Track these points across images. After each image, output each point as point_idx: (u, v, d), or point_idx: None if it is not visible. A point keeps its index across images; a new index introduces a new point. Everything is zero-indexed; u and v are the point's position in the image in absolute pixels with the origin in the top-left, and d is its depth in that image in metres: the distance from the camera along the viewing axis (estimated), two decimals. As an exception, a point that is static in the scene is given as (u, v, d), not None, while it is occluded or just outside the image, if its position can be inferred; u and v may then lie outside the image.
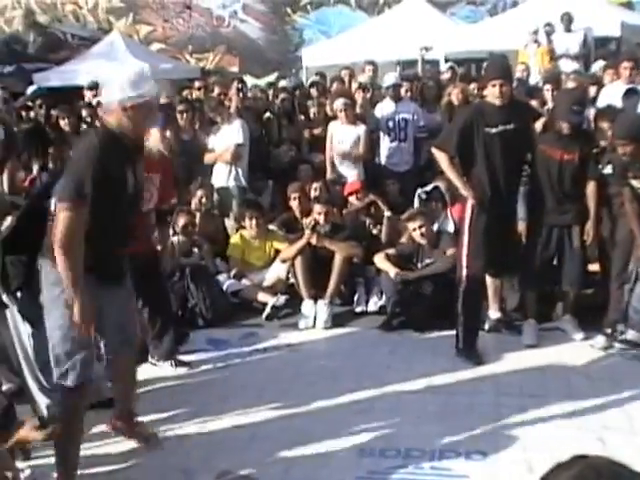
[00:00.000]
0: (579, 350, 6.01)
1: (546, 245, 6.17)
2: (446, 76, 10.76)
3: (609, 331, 6.02)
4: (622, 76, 8.44)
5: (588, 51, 13.59)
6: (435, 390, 5.36)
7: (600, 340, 5.99)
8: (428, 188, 7.78)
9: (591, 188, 6.11)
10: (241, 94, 9.31)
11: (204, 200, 8.10)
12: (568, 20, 13.30)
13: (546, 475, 1.55)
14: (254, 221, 7.71)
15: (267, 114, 9.69)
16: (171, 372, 5.92)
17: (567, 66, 11.87)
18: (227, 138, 8.36)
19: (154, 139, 5.43)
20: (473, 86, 9.39)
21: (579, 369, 5.65)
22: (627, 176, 5.83)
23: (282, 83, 11.77)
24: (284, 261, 7.36)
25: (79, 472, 4.20)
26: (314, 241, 7.11)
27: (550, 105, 8.11)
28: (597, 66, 11.47)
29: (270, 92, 11.05)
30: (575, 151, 6.06)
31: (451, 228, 7.30)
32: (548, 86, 8.72)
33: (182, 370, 5.97)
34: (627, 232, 5.96)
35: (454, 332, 5.97)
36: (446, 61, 12.58)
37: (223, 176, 8.45)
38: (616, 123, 6.02)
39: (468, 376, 5.59)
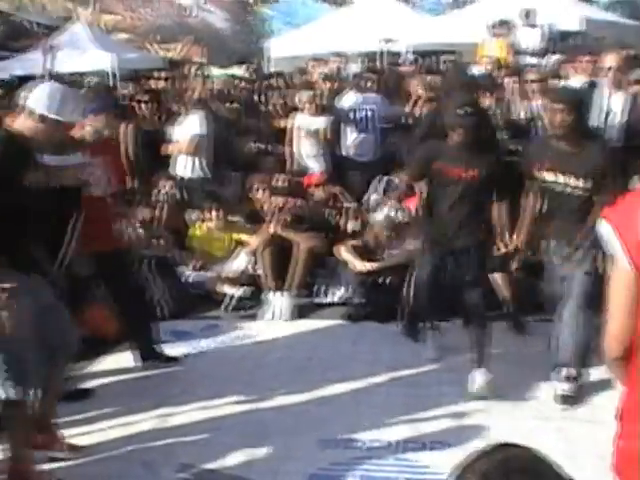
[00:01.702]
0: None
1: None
2: (409, 68, 10.76)
3: None
4: (582, 70, 8.48)
5: (550, 46, 13.66)
6: (399, 381, 5.37)
7: None
8: (379, 183, 7.82)
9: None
10: (204, 84, 9.23)
11: (169, 191, 8.02)
12: (529, 15, 13.36)
13: (464, 462, 1.55)
14: (216, 213, 7.66)
15: (232, 105, 9.62)
16: (132, 364, 5.85)
17: (527, 61, 11.91)
18: (188, 129, 8.30)
19: (100, 124, 5.38)
20: (430, 78, 9.37)
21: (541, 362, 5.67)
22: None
23: (239, 72, 11.65)
24: (251, 253, 7.32)
25: (38, 467, 4.15)
26: (276, 230, 7.09)
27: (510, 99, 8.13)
28: (553, 59, 11.51)
29: (235, 83, 10.96)
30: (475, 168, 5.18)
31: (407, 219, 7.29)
32: (509, 79, 8.74)
33: (142, 363, 5.90)
34: None
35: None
36: (411, 53, 12.59)
37: (185, 167, 8.38)
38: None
39: (432, 367, 5.60)
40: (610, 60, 6.65)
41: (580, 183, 4.87)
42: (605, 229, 2.22)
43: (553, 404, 4.95)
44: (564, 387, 5.01)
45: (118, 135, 6.61)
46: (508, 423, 4.72)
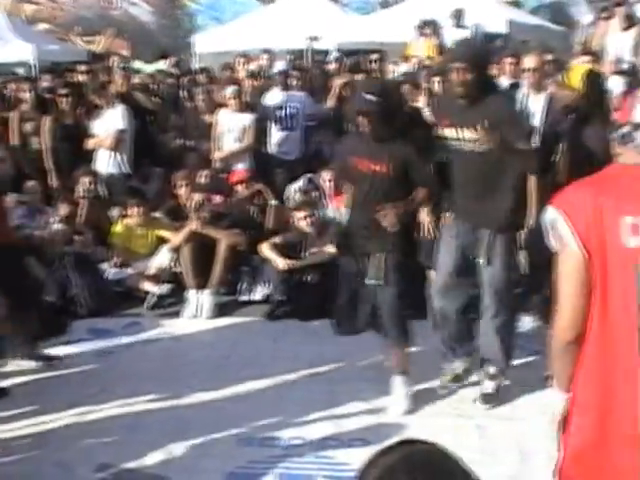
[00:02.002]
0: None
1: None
2: (333, 66, 10.81)
3: None
4: (506, 71, 8.63)
5: (476, 47, 13.85)
6: (319, 379, 5.39)
7: None
8: (301, 182, 7.85)
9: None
10: (126, 78, 9.10)
11: (90, 187, 7.89)
12: (459, 16, 13.52)
13: (370, 457, 1.57)
14: (137, 209, 7.57)
15: (155, 99, 9.53)
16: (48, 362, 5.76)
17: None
18: (109, 123, 8.19)
19: None
20: (361, 77, 9.44)
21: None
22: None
23: (163, 67, 11.55)
24: (173, 250, 7.25)
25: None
26: (197, 227, 7.04)
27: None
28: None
29: (159, 77, 10.86)
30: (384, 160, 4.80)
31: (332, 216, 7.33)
32: (437, 78, 8.83)
33: (60, 361, 5.81)
34: None
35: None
36: (336, 51, 12.61)
37: (106, 162, 8.27)
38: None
39: (352, 365, 5.62)
40: (529, 62, 6.78)
41: (473, 135, 4.61)
42: (552, 215, 2.23)
43: (474, 402, 5.01)
44: (487, 386, 5.03)
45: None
46: (428, 420, 4.78)
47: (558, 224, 2.21)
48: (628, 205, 2.14)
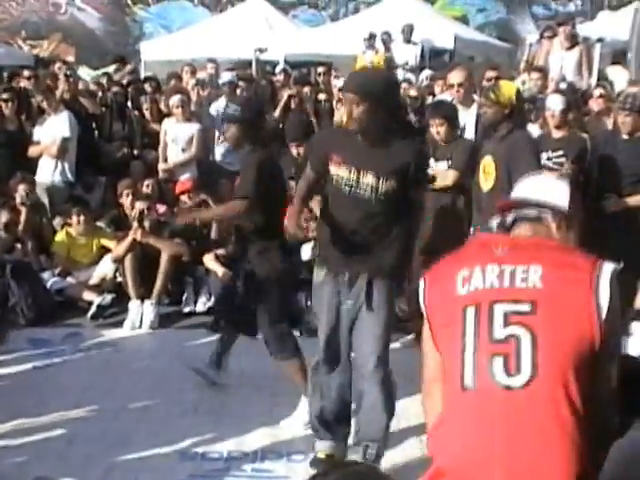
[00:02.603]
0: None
1: None
2: (279, 78, 10.85)
3: None
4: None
5: (423, 62, 14.01)
6: (260, 392, 5.35)
7: None
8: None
9: None
10: (72, 84, 9.00)
11: (27, 194, 7.77)
12: (409, 31, 13.67)
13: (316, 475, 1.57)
14: (80, 217, 7.47)
15: (99, 107, 9.44)
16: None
17: (403, 76, 12.19)
18: (54, 130, 8.08)
19: None
20: (307, 89, 9.50)
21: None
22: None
23: (116, 77, 11.48)
24: (115, 260, 7.17)
25: None
26: (139, 237, 6.97)
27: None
28: (423, 75, 11.86)
29: (104, 84, 10.76)
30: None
31: None
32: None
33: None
34: None
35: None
36: (285, 63, 12.66)
37: (49, 170, 8.16)
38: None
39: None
40: (454, 77, 6.87)
41: (373, 182, 4.01)
42: (420, 284, 2.42)
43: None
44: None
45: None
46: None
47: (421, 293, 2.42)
48: (465, 261, 2.34)
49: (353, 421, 4.46)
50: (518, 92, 5.43)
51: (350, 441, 4.44)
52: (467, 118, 6.59)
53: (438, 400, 2.32)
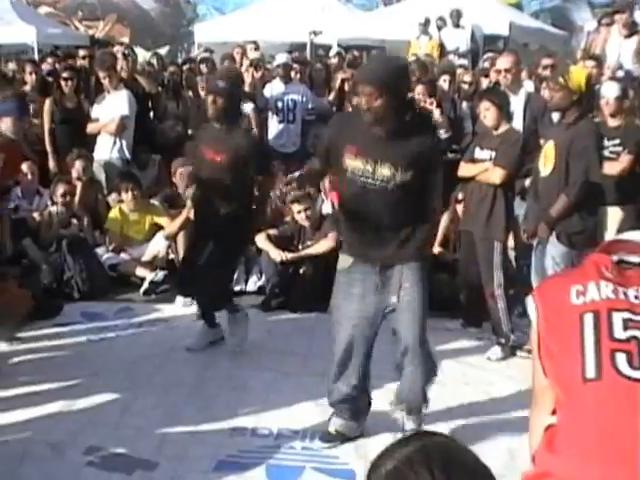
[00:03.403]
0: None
1: None
2: (334, 61, 10.83)
3: (503, 340, 5.75)
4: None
5: (476, 48, 13.89)
6: (310, 371, 5.37)
7: (496, 351, 5.78)
8: (297, 175, 7.85)
9: None
10: (129, 64, 9.08)
11: (83, 170, 7.87)
12: (457, 16, 13.54)
13: (383, 450, 1.57)
14: (131, 193, 7.55)
15: (154, 87, 9.50)
16: (40, 344, 5.77)
17: (456, 61, 12.09)
18: (113, 108, 8.15)
19: (6, 126, 5.42)
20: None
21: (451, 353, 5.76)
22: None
23: (163, 54, 11.53)
24: (168, 238, 7.24)
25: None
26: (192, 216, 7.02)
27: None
28: (486, 59, 11.72)
29: (157, 64, 10.81)
30: (225, 150, 5.33)
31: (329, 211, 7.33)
32: (446, 77, 8.87)
33: (53, 342, 5.82)
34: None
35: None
36: (338, 46, 12.63)
37: (107, 148, 8.24)
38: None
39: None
40: (502, 63, 6.81)
41: (390, 173, 3.98)
42: (530, 306, 2.33)
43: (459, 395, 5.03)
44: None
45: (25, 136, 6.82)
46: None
47: (532, 316, 2.33)
48: (576, 279, 2.30)
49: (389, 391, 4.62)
50: (589, 78, 5.34)
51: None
52: (515, 104, 6.52)
53: (549, 407, 2.28)
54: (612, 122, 6.44)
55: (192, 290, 5.83)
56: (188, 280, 5.74)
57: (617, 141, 6.35)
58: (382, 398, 4.70)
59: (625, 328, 2.16)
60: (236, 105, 5.46)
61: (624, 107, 6.53)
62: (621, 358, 2.13)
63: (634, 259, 2.33)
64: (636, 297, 2.21)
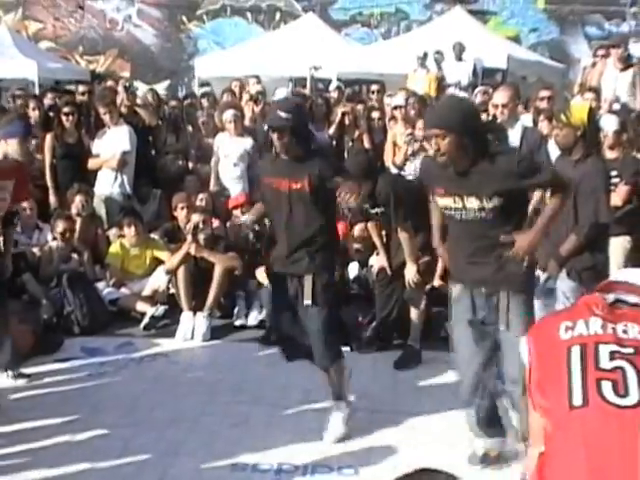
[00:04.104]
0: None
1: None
2: (333, 95, 10.90)
3: None
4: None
5: (475, 81, 13.97)
6: (310, 406, 5.37)
7: None
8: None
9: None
10: (129, 96, 9.14)
11: (83, 205, 7.90)
12: (460, 50, 13.63)
13: None
14: (133, 228, 7.59)
15: (155, 121, 9.57)
16: (40, 380, 5.77)
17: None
18: (114, 144, 8.21)
19: (13, 149, 5.36)
20: (360, 107, 9.54)
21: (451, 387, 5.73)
22: None
23: (164, 89, 11.62)
24: (169, 272, 7.25)
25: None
26: (193, 251, 7.04)
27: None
28: (477, 91, 11.76)
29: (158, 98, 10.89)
30: (303, 177, 4.70)
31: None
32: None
33: (53, 377, 5.82)
34: None
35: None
36: (338, 80, 12.71)
37: (108, 183, 8.30)
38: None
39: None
40: (498, 98, 6.84)
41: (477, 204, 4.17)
42: (522, 347, 2.46)
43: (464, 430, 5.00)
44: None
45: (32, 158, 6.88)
46: (417, 450, 4.76)
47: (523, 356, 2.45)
48: (567, 316, 2.43)
49: None
50: (590, 112, 5.36)
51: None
52: (511, 138, 6.57)
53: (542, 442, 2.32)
54: (610, 154, 6.47)
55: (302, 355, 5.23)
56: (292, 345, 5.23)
57: (614, 173, 6.38)
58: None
59: (611, 359, 2.25)
60: (304, 135, 4.84)
61: (622, 140, 6.56)
62: (607, 386, 2.21)
63: (631, 299, 2.38)
64: (624, 331, 2.30)
